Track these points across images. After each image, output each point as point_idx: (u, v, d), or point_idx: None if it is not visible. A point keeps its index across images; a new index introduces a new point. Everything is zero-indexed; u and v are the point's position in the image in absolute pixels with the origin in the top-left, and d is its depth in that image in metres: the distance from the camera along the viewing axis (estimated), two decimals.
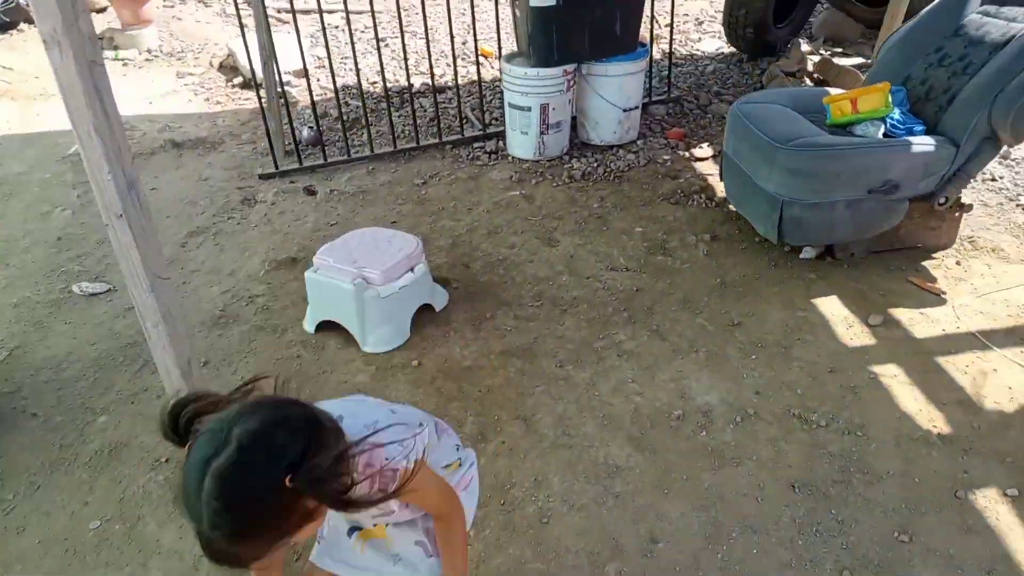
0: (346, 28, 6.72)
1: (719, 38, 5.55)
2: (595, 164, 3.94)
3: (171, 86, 6.01)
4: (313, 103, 4.12)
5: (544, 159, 4.03)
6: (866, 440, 2.13)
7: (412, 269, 2.70)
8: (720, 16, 5.03)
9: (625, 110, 4.01)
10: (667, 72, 4.61)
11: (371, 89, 5.37)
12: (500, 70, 4.10)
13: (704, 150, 3.97)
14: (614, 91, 3.94)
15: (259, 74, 4.06)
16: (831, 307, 2.70)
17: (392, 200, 3.79)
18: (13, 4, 7.41)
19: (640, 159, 3.95)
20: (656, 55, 5.43)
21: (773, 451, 2.11)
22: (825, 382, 2.35)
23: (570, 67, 3.85)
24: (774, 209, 2.75)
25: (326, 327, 2.77)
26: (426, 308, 2.82)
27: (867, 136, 2.77)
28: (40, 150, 4.80)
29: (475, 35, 4.23)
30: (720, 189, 3.45)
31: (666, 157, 3.96)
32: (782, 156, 2.68)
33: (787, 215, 2.73)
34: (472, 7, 4.05)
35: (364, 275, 2.62)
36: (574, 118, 4.22)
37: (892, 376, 2.36)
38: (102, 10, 7.49)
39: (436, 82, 5.34)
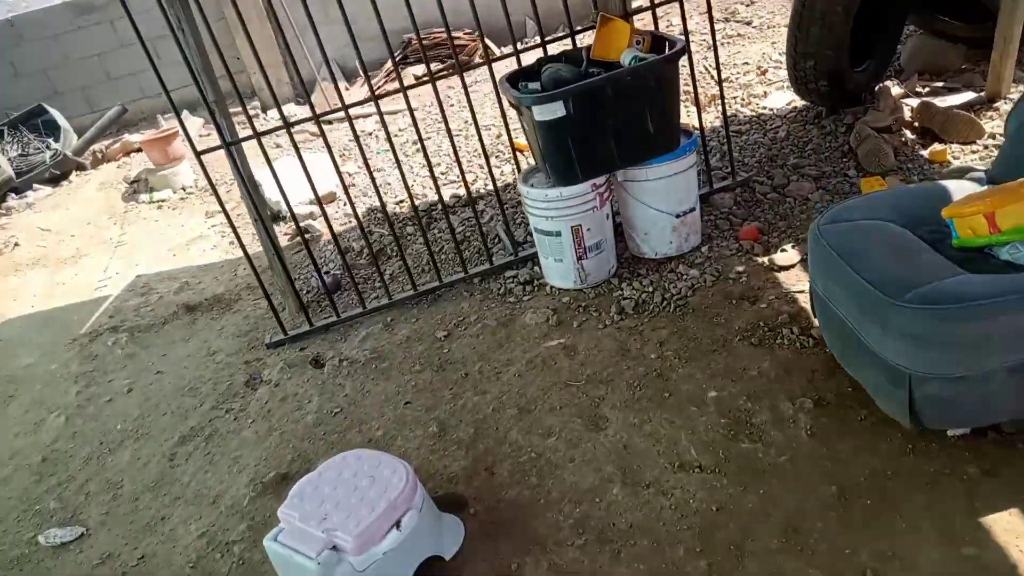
0: (364, 149, 6.29)
1: (789, 88, 4.68)
2: (650, 288, 3.16)
3: (199, 230, 5.69)
4: (310, 253, 3.58)
5: (587, 287, 3.29)
6: None
7: (399, 524, 2.00)
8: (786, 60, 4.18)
9: (678, 215, 3.23)
10: (727, 147, 3.80)
11: (393, 214, 4.82)
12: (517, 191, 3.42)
13: (788, 253, 3.12)
14: (660, 197, 3.18)
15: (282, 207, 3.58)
16: (1015, 531, 1.78)
17: (409, 367, 3.15)
18: (61, 156, 7.44)
19: (706, 275, 3.14)
20: (713, 119, 4.62)
21: None
22: None
23: (599, 179, 3.13)
24: (898, 384, 1.90)
25: None
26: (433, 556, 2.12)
27: (1019, 262, 1.90)
28: (56, 331, 4.48)
29: (481, 139, 3.57)
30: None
31: (739, 268, 3.13)
32: (898, 317, 1.83)
33: (919, 394, 1.87)
34: (470, 102, 3.39)
35: (334, 541, 1.95)
36: (619, 225, 3.49)
37: None
38: (139, 150, 7.39)
39: (451, 199, 4.70)
